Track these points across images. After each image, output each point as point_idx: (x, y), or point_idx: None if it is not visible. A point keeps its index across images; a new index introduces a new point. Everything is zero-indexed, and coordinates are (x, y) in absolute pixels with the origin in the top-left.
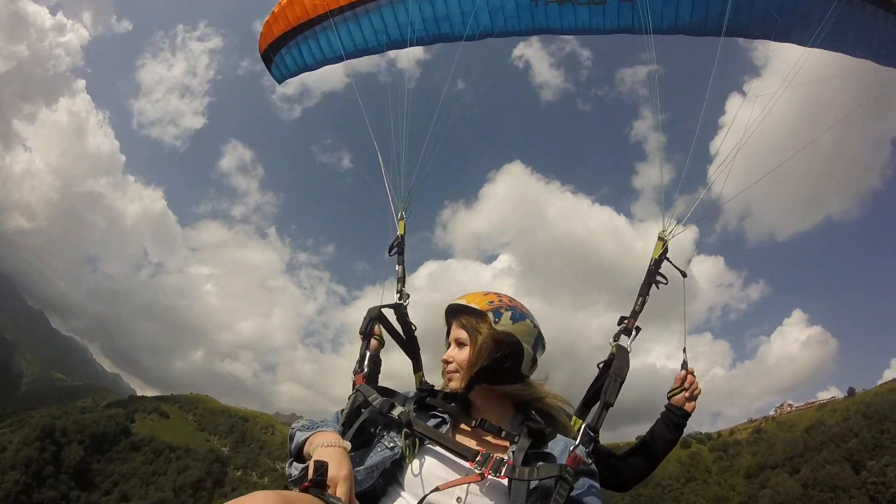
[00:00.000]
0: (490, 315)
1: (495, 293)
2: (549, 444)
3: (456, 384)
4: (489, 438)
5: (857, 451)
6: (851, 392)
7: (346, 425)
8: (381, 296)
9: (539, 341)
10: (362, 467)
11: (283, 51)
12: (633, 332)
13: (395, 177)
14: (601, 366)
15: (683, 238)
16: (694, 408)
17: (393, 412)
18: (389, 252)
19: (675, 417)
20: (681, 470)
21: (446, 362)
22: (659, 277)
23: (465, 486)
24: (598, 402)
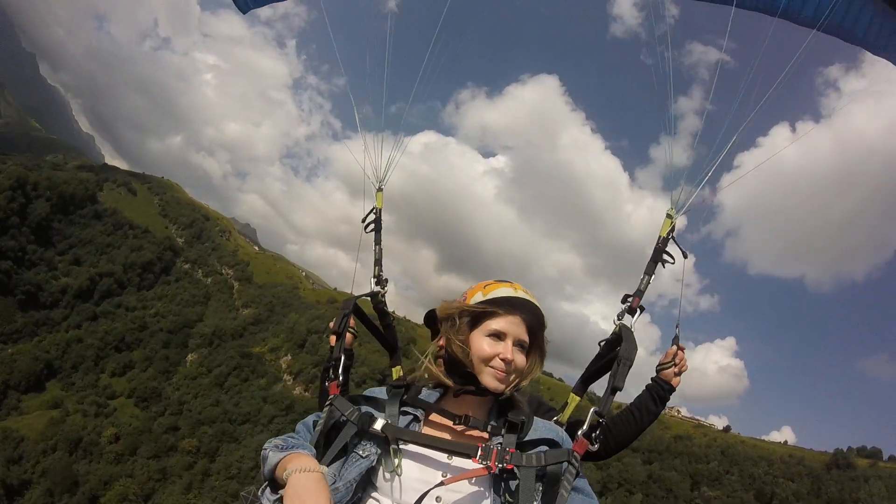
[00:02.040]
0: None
1: None
2: (529, 431)
3: (504, 387)
4: (473, 433)
5: (701, 474)
6: (727, 429)
7: (322, 442)
8: (353, 282)
9: None
10: (341, 482)
11: None
12: (638, 312)
13: (374, 138)
14: (602, 344)
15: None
16: (679, 383)
17: (375, 426)
18: (365, 228)
19: (661, 391)
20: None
21: (508, 362)
22: (665, 256)
23: (448, 485)
24: (607, 387)
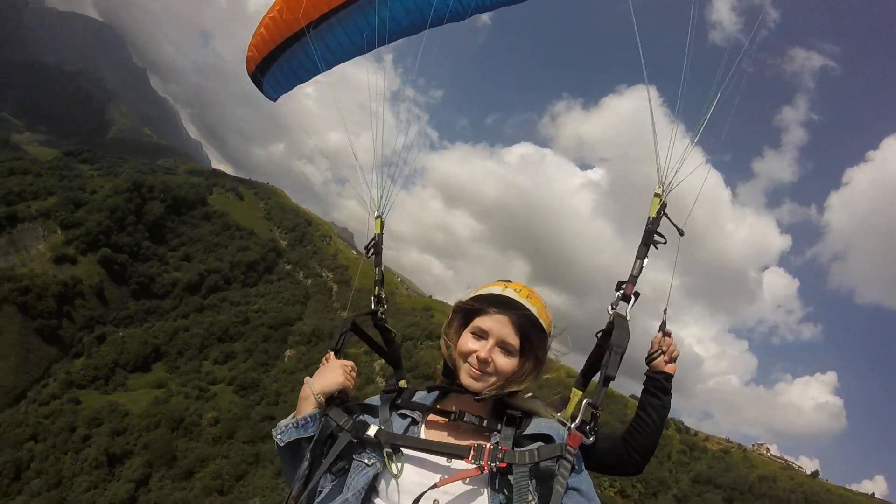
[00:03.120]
0: (551, 343)
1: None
2: (528, 428)
3: (480, 386)
4: (468, 432)
5: None
6: (815, 474)
7: (314, 451)
8: (371, 301)
9: None
10: (351, 493)
11: (273, 68)
12: (633, 299)
13: (376, 166)
14: (599, 335)
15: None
16: (674, 369)
17: (368, 433)
18: (367, 253)
19: (657, 382)
20: None
21: (483, 361)
22: (657, 237)
23: (443, 487)
24: (598, 376)
